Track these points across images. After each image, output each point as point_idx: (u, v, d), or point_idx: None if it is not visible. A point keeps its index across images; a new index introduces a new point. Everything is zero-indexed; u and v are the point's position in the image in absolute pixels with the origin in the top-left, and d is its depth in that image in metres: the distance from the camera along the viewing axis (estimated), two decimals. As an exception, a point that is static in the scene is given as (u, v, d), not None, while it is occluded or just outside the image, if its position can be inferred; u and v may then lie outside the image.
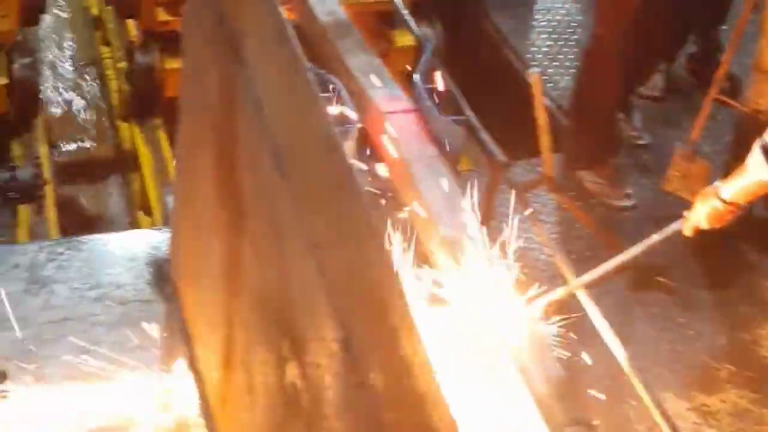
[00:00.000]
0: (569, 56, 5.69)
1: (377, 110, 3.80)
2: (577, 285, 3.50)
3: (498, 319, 3.06)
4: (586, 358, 3.41)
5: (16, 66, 5.91)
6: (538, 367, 2.97)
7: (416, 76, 4.01)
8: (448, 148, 3.65)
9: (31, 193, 4.39)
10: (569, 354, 3.12)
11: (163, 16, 6.01)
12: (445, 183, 3.41)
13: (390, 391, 1.89)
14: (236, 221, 2.82)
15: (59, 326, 3.43)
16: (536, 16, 6.17)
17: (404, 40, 5.91)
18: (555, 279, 3.81)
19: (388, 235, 3.22)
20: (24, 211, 5.34)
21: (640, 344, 4.05)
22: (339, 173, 2.09)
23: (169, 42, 5.92)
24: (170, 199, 3.85)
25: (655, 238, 3.73)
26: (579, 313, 3.55)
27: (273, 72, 2.45)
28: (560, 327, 3.16)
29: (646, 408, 3.48)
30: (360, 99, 3.94)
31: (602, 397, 3.57)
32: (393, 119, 3.72)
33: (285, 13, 2.39)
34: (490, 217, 3.76)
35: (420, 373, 1.76)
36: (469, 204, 3.27)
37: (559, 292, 3.48)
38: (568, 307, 3.48)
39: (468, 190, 3.28)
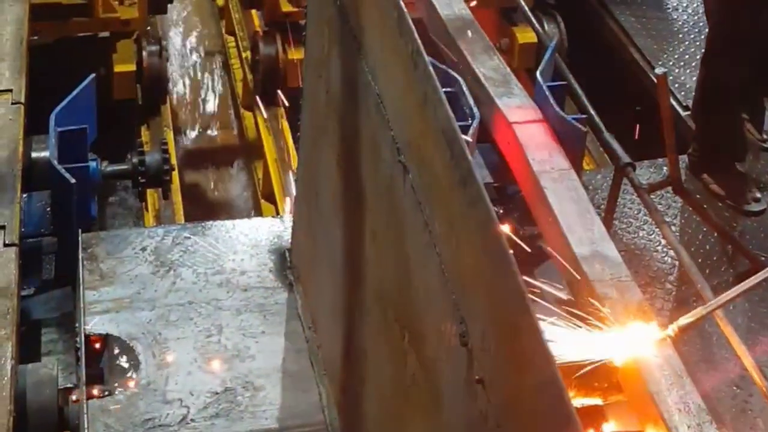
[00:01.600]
0: (696, 56, 5.57)
1: (505, 120, 3.76)
2: (712, 307, 3.26)
3: (627, 342, 3.01)
4: (721, 381, 3.32)
5: (144, 53, 6.05)
6: (671, 392, 2.93)
7: (538, 74, 3.97)
8: (570, 147, 3.61)
9: (158, 178, 4.48)
10: (705, 377, 3.03)
11: (286, 6, 6.09)
12: (577, 197, 3.35)
13: (509, 389, 1.90)
14: (357, 213, 2.85)
15: (185, 309, 3.52)
16: (662, 15, 6.05)
17: (526, 36, 5.88)
18: (682, 284, 3.71)
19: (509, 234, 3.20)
20: (151, 195, 5.47)
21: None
22: (459, 168, 2.09)
23: (292, 32, 5.99)
24: (293, 188, 3.89)
25: None
26: (713, 332, 3.45)
27: (393, 66, 2.47)
28: (694, 348, 3.06)
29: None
30: (485, 106, 3.91)
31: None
32: (521, 130, 3.68)
33: (406, 7, 2.40)
34: (613, 218, 3.71)
35: (540, 372, 1.76)
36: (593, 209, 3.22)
37: (694, 315, 3.26)
38: (701, 326, 3.37)
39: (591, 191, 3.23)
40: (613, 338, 3.02)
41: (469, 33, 4.23)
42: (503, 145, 3.81)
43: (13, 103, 3.86)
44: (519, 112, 3.82)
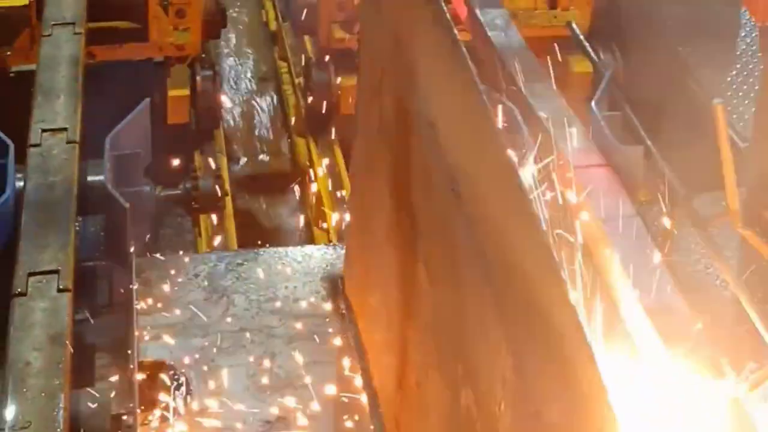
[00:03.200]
0: (754, 86, 5.51)
1: (567, 163, 3.69)
2: None
3: (702, 399, 2.94)
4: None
5: (198, 78, 6.10)
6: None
7: (593, 104, 3.94)
8: (626, 178, 3.56)
9: (211, 203, 4.51)
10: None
11: (339, 33, 6.12)
12: (643, 246, 3.28)
13: (565, 424, 1.87)
14: (411, 242, 2.84)
15: (238, 336, 3.53)
16: (719, 45, 6.00)
17: (581, 66, 5.83)
18: (739, 321, 3.63)
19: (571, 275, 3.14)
20: (204, 221, 5.50)
21: None
22: (515, 199, 2.07)
23: (344, 59, 6.01)
24: (345, 216, 3.89)
25: None
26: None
27: (447, 94, 2.46)
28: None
29: None
30: (546, 146, 3.83)
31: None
32: (585, 174, 3.60)
33: (459, 34, 2.39)
34: (671, 251, 3.64)
35: (597, 407, 1.73)
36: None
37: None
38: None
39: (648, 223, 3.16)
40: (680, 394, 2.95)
41: (524, 62, 4.20)
42: (565, 188, 3.75)
43: (68, 143, 3.77)
44: (582, 155, 3.75)
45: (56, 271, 3.17)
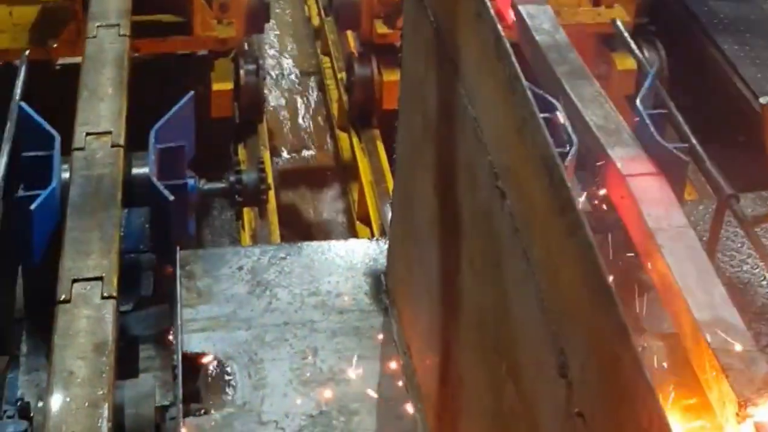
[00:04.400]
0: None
1: (618, 172, 3.61)
2: None
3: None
4: None
5: (241, 72, 6.12)
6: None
7: (638, 102, 3.90)
8: (671, 177, 3.52)
9: (255, 197, 4.52)
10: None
11: (381, 28, 6.11)
12: (696, 257, 3.19)
13: (610, 424, 1.87)
14: (454, 238, 2.84)
15: (281, 330, 3.54)
16: (766, 43, 5.93)
17: (625, 63, 5.79)
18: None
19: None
20: (247, 214, 5.52)
21: None
22: (558, 196, 2.07)
23: (387, 54, 6.01)
24: (388, 211, 3.89)
25: None
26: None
27: (490, 90, 2.46)
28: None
29: None
30: (594, 153, 3.79)
31: None
32: (636, 183, 3.54)
33: (503, 31, 2.39)
34: (716, 251, 3.59)
35: (643, 407, 1.73)
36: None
37: None
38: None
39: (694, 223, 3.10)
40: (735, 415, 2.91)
41: (567, 59, 4.18)
42: (616, 198, 3.66)
43: (112, 146, 3.75)
44: (633, 164, 3.67)
45: (100, 278, 3.15)
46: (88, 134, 3.72)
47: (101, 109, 3.90)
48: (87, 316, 3.00)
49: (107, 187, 3.57)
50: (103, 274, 3.16)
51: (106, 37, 4.32)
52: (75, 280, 3.11)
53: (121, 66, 4.15)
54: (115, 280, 3.16)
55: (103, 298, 3.09)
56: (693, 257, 3.24)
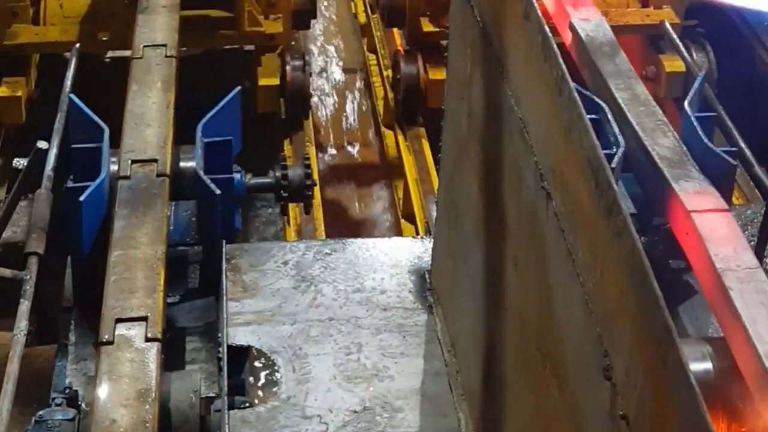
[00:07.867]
0: None
1: (682, 207, 3.43)
2: None
3: None
4: None
5: (288, 67, 6.16)
6: None
7: (686, 104, 3.87)
8: (719, 181, 3.47)
9: (300, 192, 4.54)
10: None
11: (428, 26, 6.13)
12: (767, 301, 3.05)
13: (654, 427, 1.88)
14: (499, 238, 2.86)
15: (325, 325, 3.56)
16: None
17: (674, 65, 5.75)
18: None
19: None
20: (293, 210, 5.55)
21: None
22: (604, 198, 2.07)
23: (433, 52, 6.02)
24: (433, 209, 3.91)
25: None
26: None
27: (538, 91, 2.46)
28: None
29: None
30: (655, 183, 3.64)
31: None
32: (702, 220, 3.36)
33: (550, 31, 2.40)
34: (764, 255, 3.53)
35: (687, 411, 1.73)
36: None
37: None
38: None
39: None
40: None
41: (615, 60, 4.16)
42: (680, 235, 3.45)
43: (158, 176, 3.58)
44: (699, 199, 3.44)
45: (144, 318, 2.99)
46: (133, 162, 3.61)
47: (148, 135, 3.76)
48: (130, 360, 2.87)
49: (151, 220, 3.39)
50: (148, 314, 3.01)
51: (153, 58, 4.19)
52: (118, 320, 2.98)
53: (168, 89, 4.01)
54: (160, 321, 3.01)
55: (147, 340, 2.95)
56: (763, 301, 3.07)
